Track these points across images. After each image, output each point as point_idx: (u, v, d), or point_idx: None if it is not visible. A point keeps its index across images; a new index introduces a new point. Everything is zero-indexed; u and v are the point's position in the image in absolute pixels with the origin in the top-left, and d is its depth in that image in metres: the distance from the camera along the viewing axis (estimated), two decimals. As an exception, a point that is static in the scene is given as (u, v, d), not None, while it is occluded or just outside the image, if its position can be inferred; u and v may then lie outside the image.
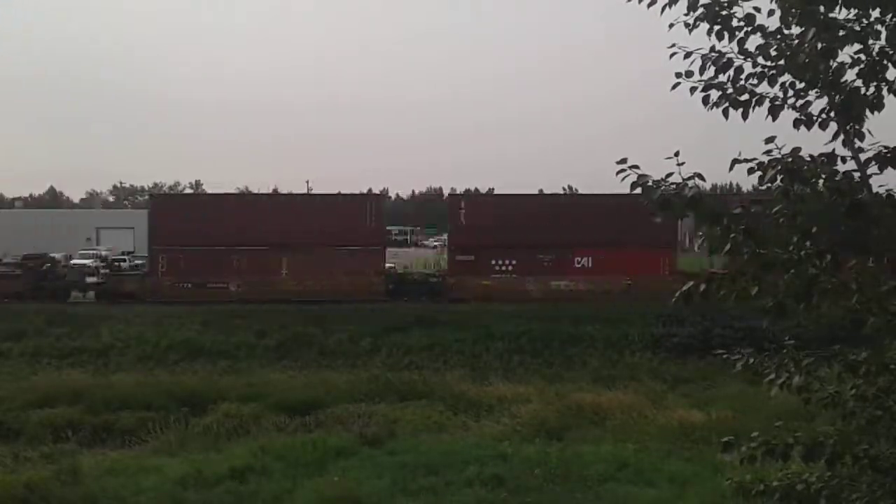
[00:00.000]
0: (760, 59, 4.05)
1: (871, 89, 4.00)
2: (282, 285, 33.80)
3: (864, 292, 3.93)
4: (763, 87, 4.09)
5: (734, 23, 3.98)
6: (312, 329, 29.56)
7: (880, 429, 4.65)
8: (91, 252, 50.52)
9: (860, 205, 3.78)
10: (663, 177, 3.93)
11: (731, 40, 4.00)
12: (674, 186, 3.90)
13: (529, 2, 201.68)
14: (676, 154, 3.92)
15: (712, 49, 4.06)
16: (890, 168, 3.89)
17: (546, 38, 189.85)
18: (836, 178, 3.86)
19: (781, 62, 3.99)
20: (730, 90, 4.07)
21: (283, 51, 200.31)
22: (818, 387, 4.71)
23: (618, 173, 3.96)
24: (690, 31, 4.04)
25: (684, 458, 15.42)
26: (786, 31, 3.99)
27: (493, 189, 74.97)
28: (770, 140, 3.86)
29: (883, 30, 3.93)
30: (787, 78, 4.04)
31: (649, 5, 4.08)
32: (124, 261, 46.20)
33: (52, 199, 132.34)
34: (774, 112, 4.05)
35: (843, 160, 3.98)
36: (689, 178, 3.91)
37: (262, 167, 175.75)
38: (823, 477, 4.58)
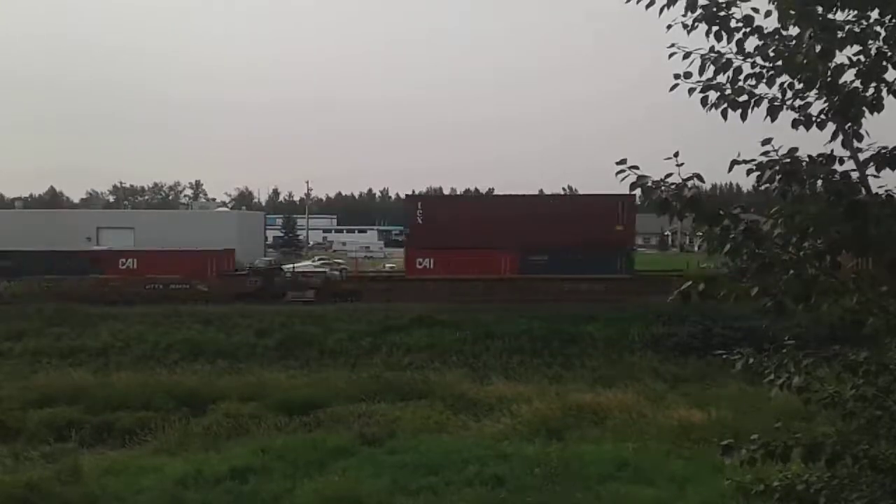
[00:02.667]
0: (759, 60, 4.04)
1: (870, 90, 3.99)
2: (544, 285, 35.14)
3: (864, 292, 3.92)
4: (762, 88, 4.08)
5: (732, 24, 3.97)
6: (312, 329, 29.52)
7: (880, 429, 4.64)
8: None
9: (859, 205, 3.77)
10: (662, 177, 3.93)
11: (729, 41, 3.99)
12: (673, 187, 3.90)
13: (529, 2, 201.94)
14: (676, 155, 3.92)
15: (711, 49, 4.05)
16: (888, 169, 3.89)
17: (546, 38, 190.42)
18: (835, 179, 3.86)
19: (780, 63, 3.99)
20: (728, 91, 4.07)
21: (282, 50, 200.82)
22: (818, 387, 4.70)
23: (617, 174, 3.97)
24: (689, 31, 4.03)
25: (684, 457, 15.40)
26: (784, 32, 3.98)
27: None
28: (767, 141, 3.86)
29: (882, 31, 3.92)
30: (785, 79, 4.03)
31: (647, 6, 4.07)
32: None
33: (52, 199, 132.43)
34: (773, 113, 4.04)
35: (842, 161, 3.97)
36: (689, 179, 3.91)
37: (261, 167, 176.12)
38: (823, 477, 4.57)
